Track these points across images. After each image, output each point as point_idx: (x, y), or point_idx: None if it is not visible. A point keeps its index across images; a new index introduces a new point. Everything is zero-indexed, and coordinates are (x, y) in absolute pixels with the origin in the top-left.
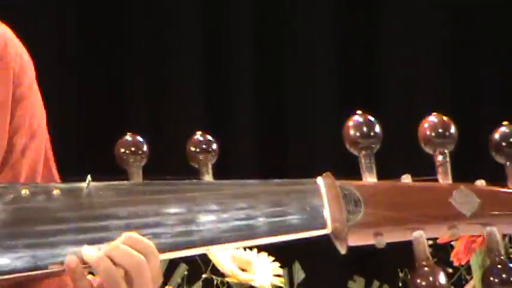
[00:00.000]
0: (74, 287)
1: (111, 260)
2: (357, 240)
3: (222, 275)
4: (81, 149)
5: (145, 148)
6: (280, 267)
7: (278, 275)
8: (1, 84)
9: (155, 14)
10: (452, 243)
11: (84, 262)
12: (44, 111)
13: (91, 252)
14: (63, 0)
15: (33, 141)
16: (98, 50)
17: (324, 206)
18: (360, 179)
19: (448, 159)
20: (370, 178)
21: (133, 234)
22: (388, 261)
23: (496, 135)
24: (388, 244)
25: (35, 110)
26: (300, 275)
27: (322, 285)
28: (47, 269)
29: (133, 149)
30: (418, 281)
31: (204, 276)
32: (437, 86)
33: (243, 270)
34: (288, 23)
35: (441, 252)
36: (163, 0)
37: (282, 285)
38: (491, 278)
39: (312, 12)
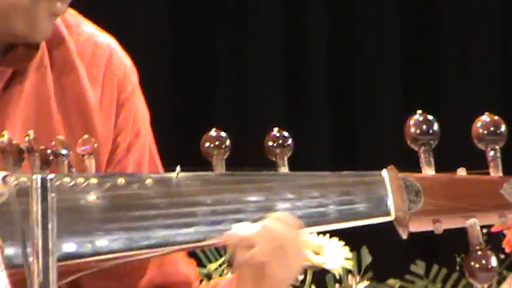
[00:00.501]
0: (235, 265)
1: (262, 235)
2: (417, 226)
3: None
4: (171, 143)
5: (228, 142)
6: (350, 251)
7: (347, 259)
8: (107, 90)
9: (238, 15)
10: (505, 232)
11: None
12: (147, 112)
13: (244, 229)
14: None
15: (137, 139)
16: (189, 50)
17: (388, 195)
18: (420, 171)
19: (499, 154)
20: (429, 171)
21: (286, 213)
22: (446, 246)
23: None
24: (445, 231)
25: (138, 112)
26: (367, 258)
27: (387, 268)
28: (140, 250)
29: (217, 143)
30: (472, 263)
31: None
32: (490, 87)
33: (315, 253)
34: (359, 25)
35: (494, 239)
36: (247, 2)
37: (351, 267)
38: None
39: (379, 15)
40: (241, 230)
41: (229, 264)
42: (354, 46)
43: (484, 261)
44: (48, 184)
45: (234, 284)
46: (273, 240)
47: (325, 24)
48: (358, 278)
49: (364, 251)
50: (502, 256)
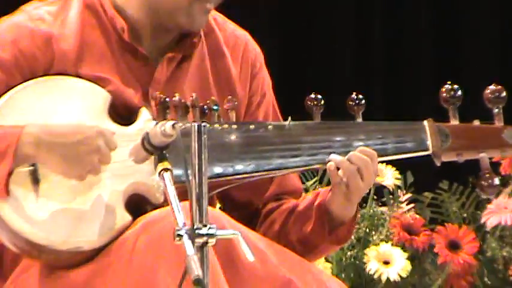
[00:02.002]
0: (332, 181)
1: (349, 161)
2: (446, 158)
3: None
4: (286, 101)
5: (322, 102)
6: (399, 174)
7: (397, 179)
8: (244, 67)
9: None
10: (501, 161)
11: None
12: (270, 81)
13: (337, 157)
14: None
15: (264, 98)
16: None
17: (427, 137)
18: (449, 122)
19: (501, 111)
20: (454, 121)
21: (365, 148)
22: (464, 171)
23: None
24: (465, 161)
25: (264, 81)
26: (410, 178)
27: (423, 185)
28: (264, 171)
29: (315, 102)
30: (482, 182)
31: None
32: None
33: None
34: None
35: (495, 166)
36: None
37: (399, 184)
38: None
39: (483, 6)
40: (335, 158)
41: (321, 181)
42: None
43: (490, 181)
44: (202, 129)
45: (330, 193)
46: (355, 164)
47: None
48: (404, 191)
49: (409, 173)
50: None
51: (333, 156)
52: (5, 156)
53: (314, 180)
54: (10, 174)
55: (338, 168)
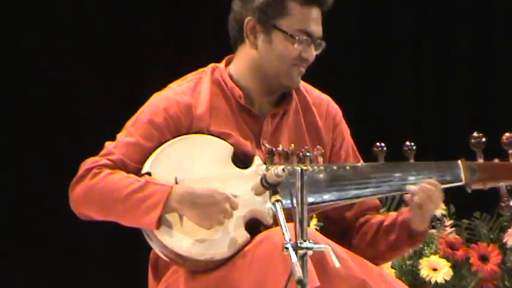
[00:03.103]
0: (410, 205)
1: (423, 190)
2: (475, 187)
3: None
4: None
5: (385, 148)
6: (445, 205)
7: (443, 209)
8: (328, 120)
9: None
10: None
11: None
12: (348, 129)
13: (413, 187)
14: None
15: (344, 142)
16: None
17: (461, 172)
18: (476, 160)
19: None
20: (480, 160)
21: (432, 180)
22: (490, 196)
23: None
24: (490, 190)
25: (343, 129)
26: (452, 209)
27: (462, 215)
28: (345, 199)
29: (380, 148)
30: (501, 204)
31: None
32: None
33: None
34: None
35: (510, 192)
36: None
37: (445, 213)
38: None
39: None
40: (413, 188)
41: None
42: None
43: (507, 202)
44: (303, 172)
45: (409, 213)
46: (427, 192)
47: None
48: (448, 218)
49: (452, 206)
50: None
51: (410, 187)
52: (157, 207)
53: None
54: (160, 218)
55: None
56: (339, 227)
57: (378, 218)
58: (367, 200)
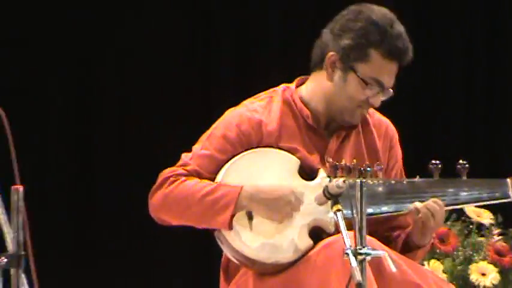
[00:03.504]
0: (412, 220)
1: (426, 208)
2: None
3: (469, 217)
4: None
5: (440, 166)
6: (493, 215)
7: (491, 218)
8: (385, 141)
9: None
10: None
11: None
12: (400, 152)
13: (418, 204)
14: None
15: (396, 164)
16: None
17: (509, 189)
18: None
19: None
20: None
21: (437, 200)
22: None
23: None
24: None
25: (397, 151)
26: (500, 219)
27: (509, 224)
28: (401, 211)
29: (435, 165)
30: None
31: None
32: None
33: (478, 216)
34: None
35: None
36: None
37: (493, 222)
38: None
39: None
40: (417, 205)
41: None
42: None
43: None
44: (362, 184)
45: (413, 228)
46: (431, 210)
47: None
48: (496, 227)
49: (499, 215)
50: None
51: (415, 203)
52: (229, 207)
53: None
54: (232, 217)
55: (418, 212)
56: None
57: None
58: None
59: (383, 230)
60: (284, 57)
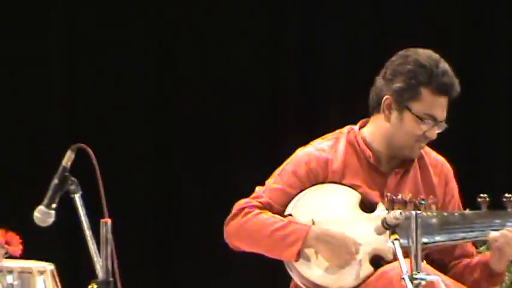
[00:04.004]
0: (490, 248)
1: (503, 236)
2: None
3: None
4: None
5: (488, 199)
6: None
7: None
8: (441, 178)
9: None
10: None
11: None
12: (456, 186)
13: (495, 233)
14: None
15: (452, 199)
16: None
17: None
18: None
19: None
20: None
21: (510, 229)
22: None
23: None
24: None
25: (453, 186)
26: None
27: None
28: (452, 241)
29: (483, 199)
30: None
31: None
32: None
33: None
34: None
35: None
36: None
37: None
38: None
39: None
40: (494, 234)
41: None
42: None
43: None
44: (417, 216)
45: (491, 256)
46: (506, 238)
47: None
48: None
49: None
50: None
51: (492, 233)
52: (297, 243)
53: (482, 247)
54: (299, 252)
55: (495, 240)
56: (437, 267)
57: (467, 260)
58: (469, 243)
59: (449, 259)
60: (346, 103)
